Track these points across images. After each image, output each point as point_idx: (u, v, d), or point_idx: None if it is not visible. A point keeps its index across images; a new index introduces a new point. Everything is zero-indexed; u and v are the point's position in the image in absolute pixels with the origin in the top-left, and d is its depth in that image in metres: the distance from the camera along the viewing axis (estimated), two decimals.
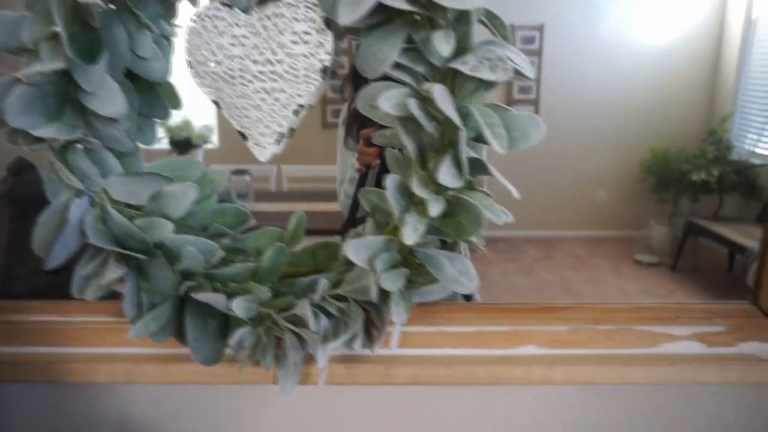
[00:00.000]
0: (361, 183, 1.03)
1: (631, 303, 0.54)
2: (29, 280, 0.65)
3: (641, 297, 2.61)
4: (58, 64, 0.43)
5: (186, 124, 2.24)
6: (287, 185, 2.61)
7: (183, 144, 2.25)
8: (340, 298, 0.49)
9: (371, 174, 1.02)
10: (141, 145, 0.52)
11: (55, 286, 0.68)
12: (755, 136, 2.85)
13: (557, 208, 3.26)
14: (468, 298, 1.11)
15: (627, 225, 3.31)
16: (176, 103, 0.54)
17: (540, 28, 3.25)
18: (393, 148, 0.49)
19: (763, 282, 0.54)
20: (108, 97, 0.44)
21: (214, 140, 2.44)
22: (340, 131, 1.15)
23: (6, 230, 0.65)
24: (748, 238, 2.47)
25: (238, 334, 0.46)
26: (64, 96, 0.45)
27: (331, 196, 1.31)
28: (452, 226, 0.45)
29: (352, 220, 1.07)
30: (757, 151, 2.79)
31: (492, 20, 0.47)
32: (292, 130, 0.53)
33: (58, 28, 0.42)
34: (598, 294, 2.72)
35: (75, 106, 0.45)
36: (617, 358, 0.53)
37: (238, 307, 0.45)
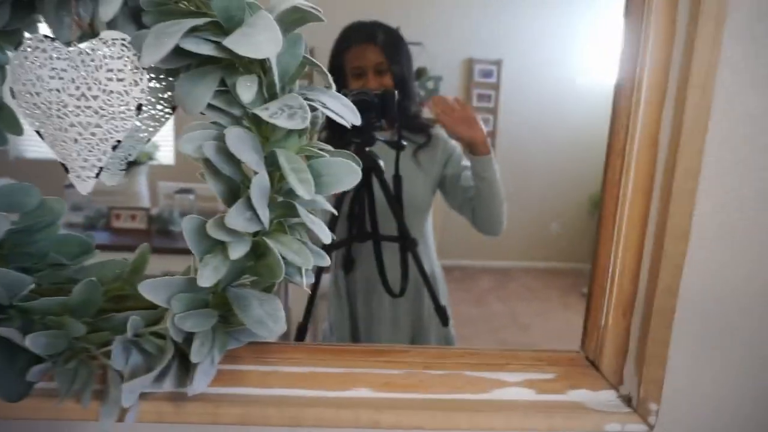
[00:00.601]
0: (336, 208, 1.04)
1: (462, 348, 0.55)
2: None
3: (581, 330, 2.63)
4: None
5: None
6: None
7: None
8: (160, 335, 0.49)
9: (346, 199, 1.03)
10: None
11: None
12: None
13: (512, 238, 3.30)
14: (444, 323, 1.11)
15: (578, 257, 3.36)
16: (16, 130, 0.54)
17: (498, 63, 3.33)
18: None
19: (589, 331, 0.55)
20: None
21: (161, 157, 2.41)
22: None
23: None
24: None
25: (34, 371, 0.45)
26: None
27: None
28: (265, 268, 0.45)
29: (328, 246, 1.06)
30: None
31: (314, 67, 0.48)
32: (130, 163, 0.53)
33: None
34: (545, 327, 2.75)
35: None
36: (447, 403, 0.54)
37: (35, 342, 0.44)
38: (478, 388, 0.55)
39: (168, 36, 0.41)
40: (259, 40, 0.40)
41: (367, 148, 0.98)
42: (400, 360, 0.55)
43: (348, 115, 0.47)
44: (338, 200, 1.04)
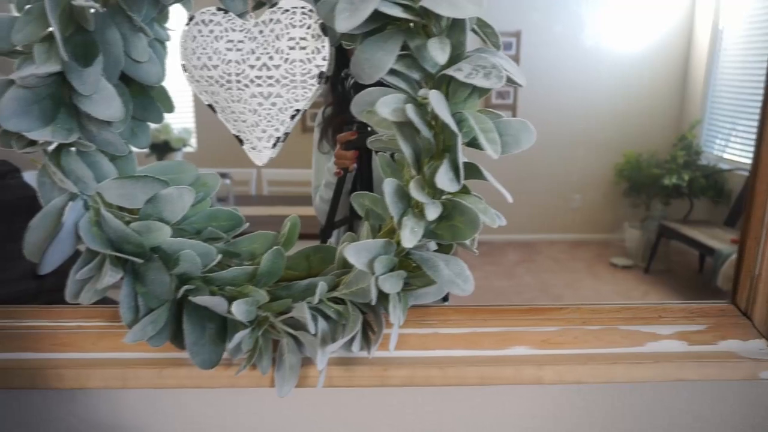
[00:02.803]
0: (339, 187, 1.06)
1: (616, 304, 0.56)
2: (15, 284, 0.64)
3: (615, 299, 2.67)
4: (53, 67, 0.42)
5: (165, 127, 2.21)
6: (267, 189, 2.59)
7: (161, 147, 2.22)
8: (337, 300, 0.50)
9: (348, 177, 1.05)
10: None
11: (41, 290, 0.67)
12: (723, 142, 2.94)
13: (536, 211, 3.31)
14: (444, 299, 1.14)
15: (603, 228, 3.38)
16: (170, 107, 0.54)
17: (517, 35, 3.29)
18: (386, 152, 0.50)
19: (740, 282, 0.56)
20: (104, 101, 0.44)
21: (193, 143, 2.41)
22: (316, 135, 1.17)
23: None
24: (717, 240, 2.55)
25: (237, 338, 0.47)
26: (59, 99, 0.45)
27: (311, 200, 1.33)
28: (448, 230, 0.46)
29: (331, 224, 1.09)
30: (725, 156, 2.88)
31: (484, 29, 0.48)
32: (286, 134, 0.54)
33: (53, 30, 0.41)
34: (576, 297, 2.77)
35: (69, 108, 0.45)
36: (604, 358, 0.55)
37: (239, 310, 0.45)
38: (633, 342, 0.56)
39: (363, 1, 0.41)
40: (460, 0, 0.40)
41: (369, 128, 1.01)
42: (556, 317, 0.56)
43: (519, 76, 0.47)
44: (341, 179, 1.06)
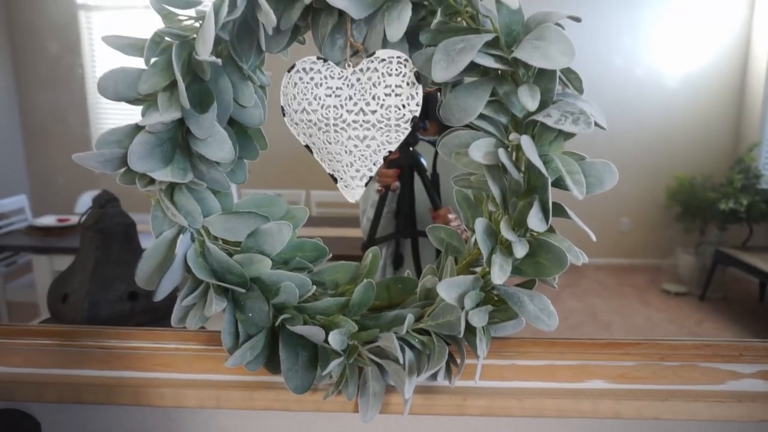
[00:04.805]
0: (381, 204, 1.09)
1: (696, 340, 0.56)
2: (112, 305, 0.69)
3: (668, 327, 2.60)
4: (174, 114, 0.47)
5: None
6: (316, 210, 2.66)
7: None
8: (421, 331, 0.52)
9: (391, 196, 1.09)
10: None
11: (133, 312, 0.72)
12: None
13: (581, 234, 3.26)
14: None
15: (653, 253, 3.30)
16: (264, 145, 0.58)
17: None
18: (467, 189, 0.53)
19: None
20: (217, 144, 0.48)
21: None
22: None
23: (92, 259, 0.70)
24: None
25: (332, 365, 0.49)
26: (176, 142, 0.49)
27: (358, 221, 1.37)
28: (532, 266, 0.48)
29: (372, 240, 1.13)
30: None
31: (567, 74, 0.50)
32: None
33: (177, 79, 0.46)
34: (627, 324, 2.71)
35: (183, 150, 0.50)
36: (684, 394, 0.55)
37: (334, 339, 0.48)
38: (713, 380, 0.56)
39: (458, 53, 0.44)
40: (552, 51, 0.43)
41: (411, 148, 1.04)
42: (633, 352, 0.57)
43: (601, 119, 0.49)
44: (383, 196, 1.10)
